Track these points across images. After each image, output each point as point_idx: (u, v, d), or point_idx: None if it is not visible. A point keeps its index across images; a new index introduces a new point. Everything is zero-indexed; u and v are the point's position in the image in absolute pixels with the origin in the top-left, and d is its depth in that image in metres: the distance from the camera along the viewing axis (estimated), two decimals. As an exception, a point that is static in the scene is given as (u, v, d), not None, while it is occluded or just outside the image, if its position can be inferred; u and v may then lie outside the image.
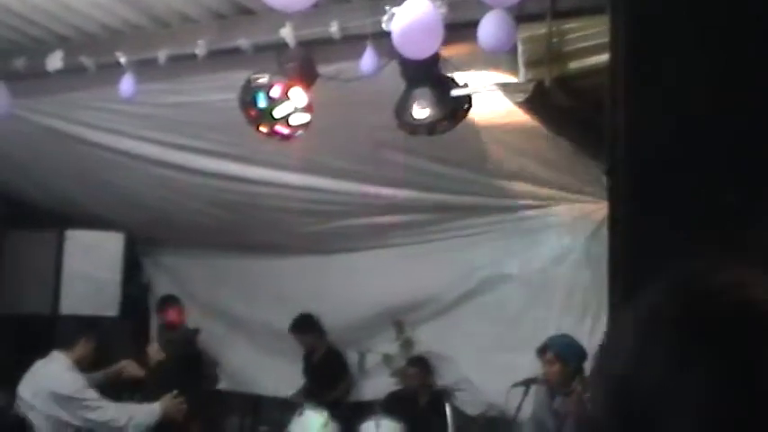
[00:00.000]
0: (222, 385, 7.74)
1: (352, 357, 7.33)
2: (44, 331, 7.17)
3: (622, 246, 1.56)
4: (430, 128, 4.65)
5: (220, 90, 5.35)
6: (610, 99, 1.61)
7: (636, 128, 1.55)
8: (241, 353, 7.82)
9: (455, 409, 5.82)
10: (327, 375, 7.16)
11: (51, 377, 5.52)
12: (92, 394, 5.47)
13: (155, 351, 6.70)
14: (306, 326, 7.23)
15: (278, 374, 7.57)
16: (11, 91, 5.78)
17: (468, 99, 4.60)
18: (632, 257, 1.52)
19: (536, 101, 4.18)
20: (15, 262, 7.64)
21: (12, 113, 5.90)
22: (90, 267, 7.38)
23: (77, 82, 5.80)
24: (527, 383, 5.36)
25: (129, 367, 6.04)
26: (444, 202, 6.60)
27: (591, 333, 5.75)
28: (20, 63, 5.63)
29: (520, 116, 4.76)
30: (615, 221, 1.60)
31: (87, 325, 7.00)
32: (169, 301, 7.56)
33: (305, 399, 6.84)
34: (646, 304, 0.92)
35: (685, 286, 0.92)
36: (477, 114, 4.78)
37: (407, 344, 7.07)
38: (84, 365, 5.69)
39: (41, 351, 6.22)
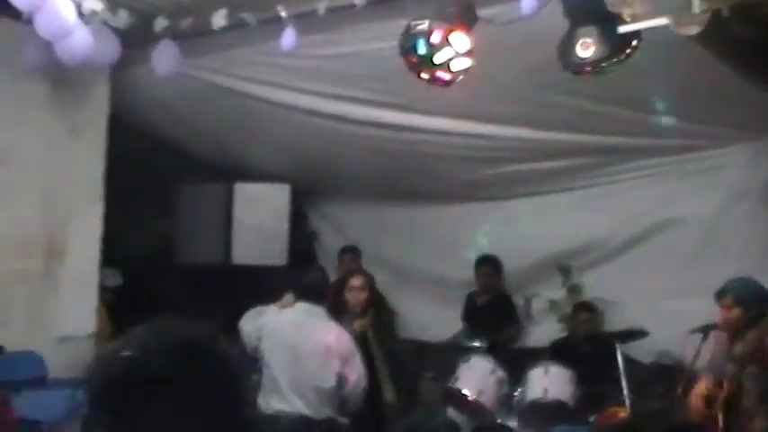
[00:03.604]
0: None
1: (517, 303, 7.26)
2: (220, 279, 7.52)
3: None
4: (595, 67, 4.47)
5: (379, 39, 5.35)
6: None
7: None
8: (404, 300, 7.90)
9: (626, 357, 5.65)
10: (492, 319, 7.13)
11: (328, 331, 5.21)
12: None
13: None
14: (495, 263, 7.20)
15: (441, 321, 7.60)
16: (179, 50, 6.01)
17: (636, 35, 4.38)
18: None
19: (712, 33, 3.92)
20: (189, 215, 7.99)
21: (180, 71, 6.13)
22: (258, 218, 7.60)
23: (240, 38, 5.96)
24: (705, 329, 5.13)
25: None
26: (610, 145, 6.38)
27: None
28: (186, 23, 5.82)
29: (691, 51, 4.50)
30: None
31: (257, 274, 7.29)
32: (349, 250, 7.70)
33: (466, 341, 6.85)
34: None
35: None
36: (643, 50, 4.54)
37: (574, 289, 6.93)
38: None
39: (218, 298, 6.52)
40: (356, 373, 5.05)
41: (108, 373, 1.32)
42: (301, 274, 5.77)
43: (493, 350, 6.39)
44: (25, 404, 5.77)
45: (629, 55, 4.42)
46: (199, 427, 1.31)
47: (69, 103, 6.76)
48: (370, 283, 5.86)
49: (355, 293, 5.67)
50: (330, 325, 5.20)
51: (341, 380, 4.99)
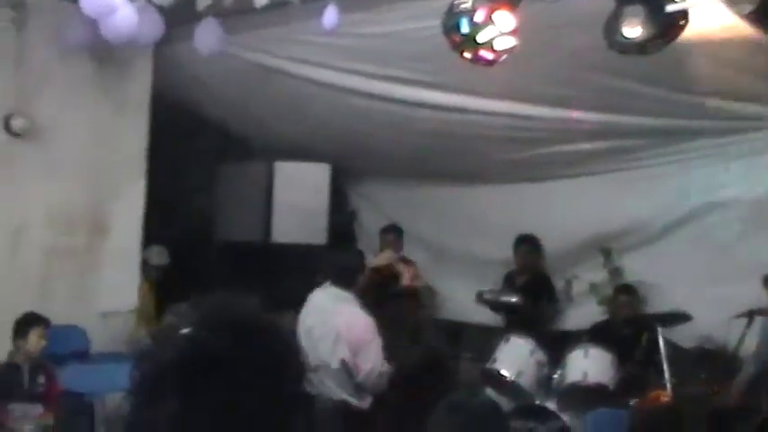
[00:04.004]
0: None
1: (558, 284, 7.21)
2: (259, 257, 7.57)
3: None
4: (641, 47, 4.39)
5: (421, 17, 5.31)
6: None
7: None
8: (443, 280, 7.89)
9: (668, 341, 5.59)
10: (531, 298, 7.09)
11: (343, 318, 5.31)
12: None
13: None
14: (535, 242, 7.16)
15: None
16: (221, 28, 6.02)
17: (683, 14, 4.29)
18: None
19: (764, 11, 3.83)
20: (230, 193, 8.05)
21: (222, 50, 6.15)
22: (298, 198, 7.62)
23: (282, 17, 5.95)
24: (750, 314, 5.06)
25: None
26: (654, 127, 6.28)
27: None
28: (229, 1, 5.82)
29: (741, 30, 4.41)
30: None
31: (297, 253, 7.32)
32: (391, 230, 7.70)
33: (496, 295, 6.84)
34: None
35: None
36: (691, 30, 4.46)
37: (615, 272, 6.86)
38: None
39: (257, 276, 6.57)
40: (370, 363, 5.14)
41: (170, 352, 1.32)
42: (337, 257, 5.85)
43: (531, 329, 6.36)
44: (69, 377, 5.87)
45: (676, 35, 4.34)
46: (260, 404, 1.31)
47: (113, 81, 6.83)
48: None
49: None
50: (350, 311, 5.27)
51: (349, 368, 5.05)
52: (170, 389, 1.28)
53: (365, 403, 5.21)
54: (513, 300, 6.51)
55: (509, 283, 7.34)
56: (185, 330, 1.34)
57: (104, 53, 6.50)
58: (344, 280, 5.38)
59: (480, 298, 6.88)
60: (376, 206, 8.58)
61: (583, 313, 6.98)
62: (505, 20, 4.51)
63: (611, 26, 4.37)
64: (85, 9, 5.22)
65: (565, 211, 7.16)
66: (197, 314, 1.38)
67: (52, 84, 6.48)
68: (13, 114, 6.26)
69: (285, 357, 1.38)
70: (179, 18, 6.03)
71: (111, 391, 6.28)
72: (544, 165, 7.08)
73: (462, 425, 2.82)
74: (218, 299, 1.41)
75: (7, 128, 6.25)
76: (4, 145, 6.27)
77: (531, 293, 7.07)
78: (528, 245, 7.20)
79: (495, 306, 7.02)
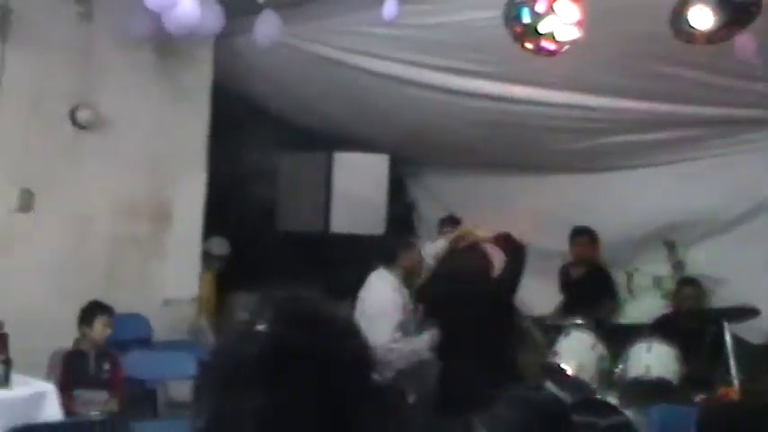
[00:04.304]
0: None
1: (619, 278, 7.10)
2: (319, 247, 7.60)
3: None
4: (710, 36, 4.29)
5: (482, 8, 5.26)
6: None
7: None
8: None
9: (735, 336, 5.46)
10: (588, 292, 6.99)
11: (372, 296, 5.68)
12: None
13: None
14: (591, 233, 7.07)
15: (540, 293, 7.50)
16: (281, 19, 6.03)
17: (754, 2, 4.17)
18: None
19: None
20: (290, 183, 8.09)
21: (282, 41, 6.17)
22: (357, 188, 7.63)
23: (342, 8, 5.95)
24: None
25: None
26: (719, 116, 6.14)
27: None
28: (287, -8, 5.84)
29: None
30: None
31: (357, 243, 7.33)
32: (449, 221, 7.67)
33: (562, 317, 6.74)
34: None
35: None
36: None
37: (679, 265, 6.73)
38: (407, 278, 5.83)
39: (317, 266, 6.60)
40: (378, 338, 5.23)
41: (251, 347, 1.35)
42: (384, 239, 6.42)
43: (590, 324, 6.27)
44: (133, 364, 5.97)
45: (747, 23, 4.22)
46: (339, 398, 1.35)
47: (175, 72, 6.91)
48: None
49: None
50: (375, 287, 5.69)
51: None
52: (253, 383, 1.32)
53: (383, 379, 5.30)
54: (578, 322, 6.40)
55: (564, 276, 7.25)
56: (261, 326, 1.37)
57: (166, 45, 6.58)
58: (386, 259, 5.79)
59: (542, 325, 6.82)
60: (435, 196, 8.55)
61: (645, 307, 6.87)
62: (567, 10, 4.44)
63: (679, 15, 4.28)
64: (149, 3, 5.28)
65: (626, 203, 7.05)
66: (270, 309, 1.41)
67: (116, 76, 6.59)
68: (78, 106, 6.37)
69: (358, 350, 1.42)
70: (239, 10, 6.06)
71: (173, 377, 6.41)
72: (605, 155, 6.97)
73: (524, 420, 2.78)
74: (289, 293, 1.45)
75: (73, 120, 6.37)
76: (71, 137, 6.39)
77: (589, 286, 6.99)
78: (584, 237, 7.10)
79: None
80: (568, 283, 7.22)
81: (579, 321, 6.29)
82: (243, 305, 7.81)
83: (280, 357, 1.34)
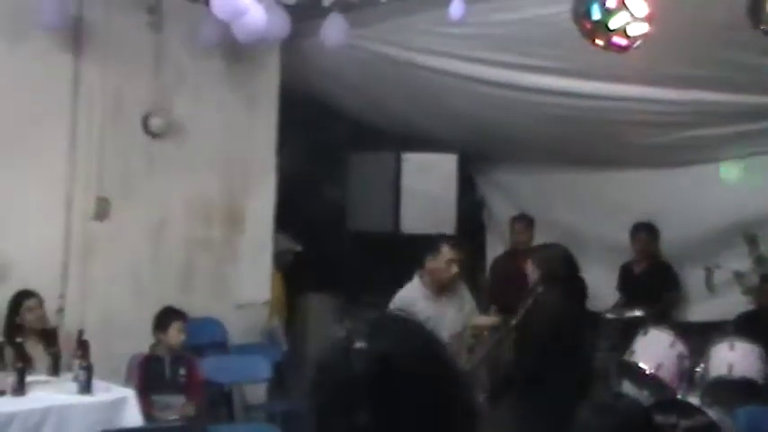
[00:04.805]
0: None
1: (697, 274, 6.92)
2: (389, 247, 7.59)
3: None
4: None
5: (550, 4, 5.17)
6: None
7: None
8: (576, 268, 7.71)
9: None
10: (650, 286, 6.84)
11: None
12: None
13: None
14: (652, 229, 6.95)
15: (613, 289, 7.36)
16: (347, 21, 6.05)
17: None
18: None
19: None
20: (359, 183, 8.11)
21: (349, 43, 6.18)
22: (426, 188, 7.61)
23: (408, 8, 5.92)
24: None
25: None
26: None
27: None
28: (354, -5, 5.84)
29: None
30: None
31: (427, 243, 7.29)
32: (521, 219, 7.59)
33: (620, 312, 6.60)
34: None
35: None
36: None
37: (761, 260, 6.51)
38: (436, 285, 5.41)
39: (387, 265, 6.58)
40: None
41: (358, 366, 1.41)
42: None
43: (654, 317, 6.15)
44: (209, 367, 6.05)
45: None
46: (444, 416, 1.41)
47: (243, 78, 6.98)
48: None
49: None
50: (397, 296, 5.39)
51: None
52: (360, 401, 1.39)
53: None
54: (638, 314, 6.27)
55: (627, 272, 7.13)
56: (361, 344, 1.44)
57: (234, 51, 6.64)
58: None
59: (603, 320, 6.69)
60: (506, 193, 8.46)
61: (726, 303, 6.66)
62: (638, 4, 4.33)
63: (756, 6, 4.14)
64: (217, 12, 5.34)
65: (704, 197, 6.87)
66: (369, 327, 1.47)
67: (187, 83, 6.68)
68: (151, 114, 6.48)
69: (455, 368, 1.49)
70: (305, 14, 6.09)
71: (249, 380, 6.48)
72: (681, 149, 6.78)
73: (608, 428, 2.73)
74: (385, 314, 1.58)
75: (146, 128, 6.47)
76: (144, 144, 6.50)
77: (651, 281, 6.85)
78: (645, 232, 6.98)
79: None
80: (630, 280, 7.10)
81: (639, 313, 6.20)
82: (320, 309, 7.88)
83: (386, 376, 1.39)
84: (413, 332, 1.47)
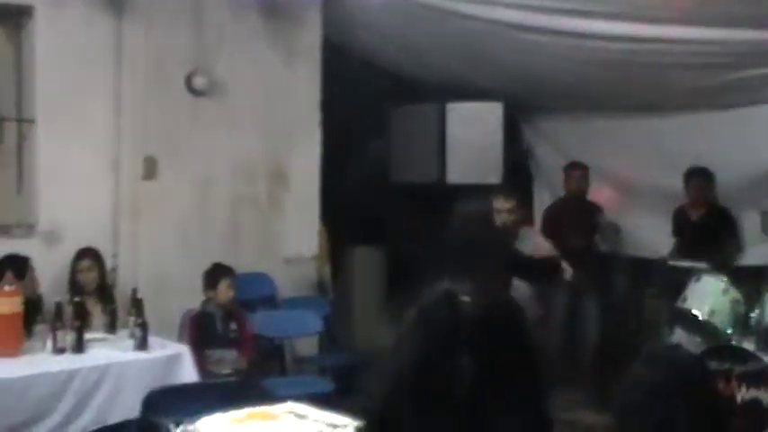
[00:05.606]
0: (604, 247, 7.58)
1: (752, 218, 6.78)
2: (434, 198, 7.56)
3: None
4: None
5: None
6: None
7: None
8: (627, 216, 7.61)
9: None
10: (711, 234, 6.72)
11: None
12: None
13: None
14: (707, 174, 6.82)
15: (666, 236, 7.26)
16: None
17: None
18: None
19: None
20: (403, 135, 8.07)
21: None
22: (471, 138, 7.54)
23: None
24: None
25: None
26: None
27: None
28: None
29: None
30: None
31: (474, 193, 7.24)
32: (577, 166, 7.50)
33: (678, 259, 6.52)
34: None
35: None
36: None
37: (819, 203, 6.37)
38: None
39: (434, 217, 6.56)
40: None
41: (458, 314, 1.78)
42: None
43: (716, 267, 6.03)
44: (259, 322, 6.13)
45: None
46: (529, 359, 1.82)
47: (284, 34, 6.94)
48: None
49: None
50: None
51: None
52: (463, 346, 1.66)
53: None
54: (700, 265, 6.14)
55: (682, 217, 6.99)
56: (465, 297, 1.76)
57: (276, 8, 6.61)
58: None
59: (666, 265, 6.60)
60: (553, 141, 8.36)
61: (782, 247, 6.56)
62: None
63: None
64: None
65: (754, 140, 6.69)
66: (469, 284, 1.82)
67: (227, 41, 6.66)
68: (193, 74, 6.48)
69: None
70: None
71: (299, 334, 6.55)
72: (729, 91, 6.59)
73: (664, 379, 2.69)
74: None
75: (189, 86, 6.49)
76: (188, 103, 6.52)
77: (711, 228, 6.72)
78: (700, 178, 6.83)
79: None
80: (686, 226, 6.97)
81: (702, 265, 6.08)
82: (366, 261, 7.89)
83: (484, 324, 1.66)
84: (503, 291, 1.80)
